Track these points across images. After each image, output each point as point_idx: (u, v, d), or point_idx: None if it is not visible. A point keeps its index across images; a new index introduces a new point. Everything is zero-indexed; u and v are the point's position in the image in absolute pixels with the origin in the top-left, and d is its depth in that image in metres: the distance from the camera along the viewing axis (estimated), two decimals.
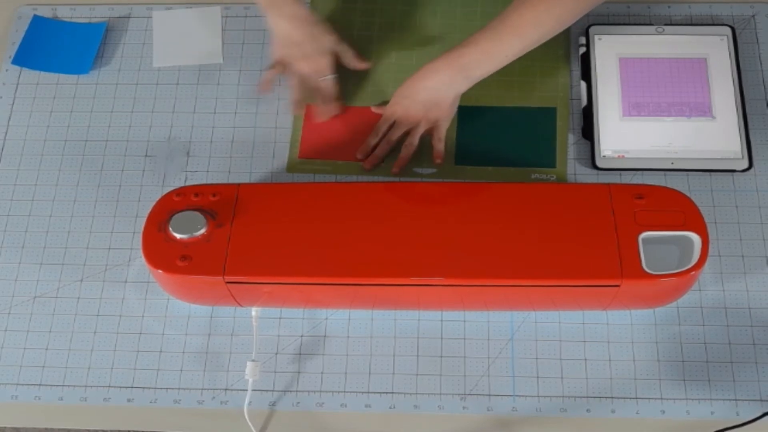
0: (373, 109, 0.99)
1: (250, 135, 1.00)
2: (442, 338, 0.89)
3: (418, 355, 0.88)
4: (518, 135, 0.97)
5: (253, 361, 0.86)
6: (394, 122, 0.96)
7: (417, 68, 0.95)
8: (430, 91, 0.93)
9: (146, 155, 0.99)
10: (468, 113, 0.99)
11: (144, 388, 0.88)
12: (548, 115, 0.98)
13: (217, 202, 0.84)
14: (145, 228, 0.84)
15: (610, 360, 0.87)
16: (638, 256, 0.79)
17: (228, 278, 0.81)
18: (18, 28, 1.07)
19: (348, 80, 1.01)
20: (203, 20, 1.07)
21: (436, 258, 0.81)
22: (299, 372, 0.88)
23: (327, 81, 0.98)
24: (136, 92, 1.03)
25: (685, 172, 0.95)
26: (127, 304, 0.91)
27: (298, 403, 0.87)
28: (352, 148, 0.98)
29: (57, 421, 0.87)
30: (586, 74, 1.00)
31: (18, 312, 0.92)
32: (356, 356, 0.88)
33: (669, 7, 1.05)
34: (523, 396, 0.86)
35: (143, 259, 0.82)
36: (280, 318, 0.90)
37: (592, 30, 1.02)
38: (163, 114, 1.02)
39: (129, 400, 0.87)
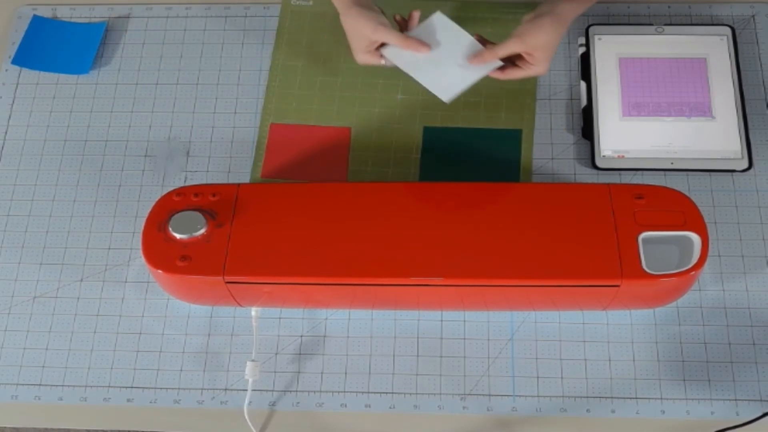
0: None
1: (250, 135, 1.00)
2: (442, 338, 0.89)
3: (418, 355, 0.88)
4: (483, 156, 0.97)
5: (253, 361, 0.86)
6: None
7: (383, 89, 0.96)
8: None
9: (146, 155, 0.99)
10: (433, 133, 0.99)
11: (144, 388, 0.88)
12: (513, 137, 0.98)
13: (217, 202, 0.84)
14: (145, 228, 0.83)
15: (610, 360, 0.87)
16: (638, 256, 0.79)
17: (228, 278, 0.81)
18: (18, 28, 1.07)
19: (312, 100, 1.01)
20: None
21: (436, 258, 0.81)
22: (299, 372, 0.88)
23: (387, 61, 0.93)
24: (136, 92, 1.03)
25: (685, 172, 0.95)
26: (127, 304, 0.91)
27: (298, 403, 0.87)
28: (314, 168, 0.97)
29: (57, 421, 0.87)
30: (586, 74, 1.00)
31: (18, 312, 0.92)
32: (356, 356, 0.88)
33: (669, 7, 1.05)
34: (523, 396, 0.86)
35: (143, 259, 0.82)
36: (280, 318, 0.90)
37: (591, 30, 1.02)
38: (163, 114, 1.02)
39: (129, 400, 0.87)
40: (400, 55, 0.91)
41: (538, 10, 0.90)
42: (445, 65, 0.90)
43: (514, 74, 0.91)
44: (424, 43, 0.90)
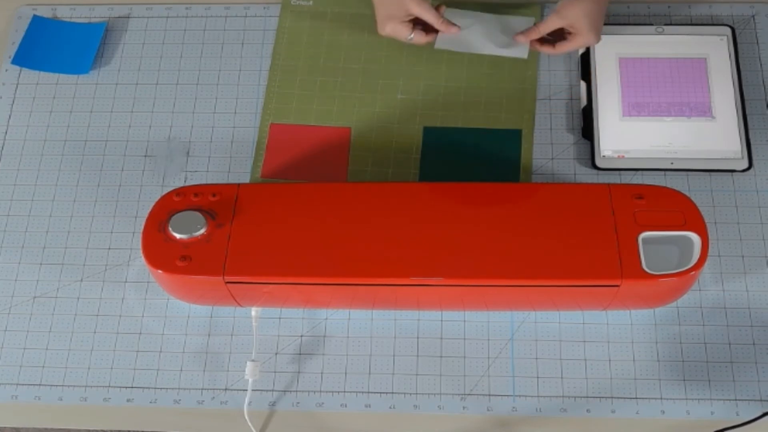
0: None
1: (250, 135, 1.00)
2: (442, 338, 0.89)
3: (418, 355, 0.88)
4: (483, 156, 0.97)
5: (253, 361, 0.86)
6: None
7: (383, 89, 0.98)
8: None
9: (146, 155, 0.99)
10: (433, 133, 0.98)
11: (144, 388, 0.88)
12: (513, 137, 0.98)
13: (217, 202, 0.84)
14: (145, 228, 0.83)
15: (610, 360, 0.87)
16: (638, 256, 0.79)
17: (228, 278, 0.81)
18: (18, 28, 1.07)
19: (312, 100, 1.01)
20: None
21: (436, 258, 0.81)
22: (299, 372, 0.88)
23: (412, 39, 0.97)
24: (135, 92, 1.03)
25: (685, 172, 0.95)
26: (126, 304, 0.91)
27: (298, 403, 0.87)
28: (314, 168, 0.97)
29: (57, 421, 0.87)
30: (586, 74, 1.00)
31: (18, 312, 0.92)
32: (356, 356, 0.88)
33: (669, 7, 1.05)
34: (523, 396, 0.86)
35: (143, 259, 0.82)
36: (280, 318, 0.90)
37: None
38: (163, 114, 1.02)
39: (129, 400, 0.87)
40: (449, 40, 0.96)
41: None
42: (491, 38, 0.97)
43: (563, 47, 0.96)
44: (455, 24, 0.96)
